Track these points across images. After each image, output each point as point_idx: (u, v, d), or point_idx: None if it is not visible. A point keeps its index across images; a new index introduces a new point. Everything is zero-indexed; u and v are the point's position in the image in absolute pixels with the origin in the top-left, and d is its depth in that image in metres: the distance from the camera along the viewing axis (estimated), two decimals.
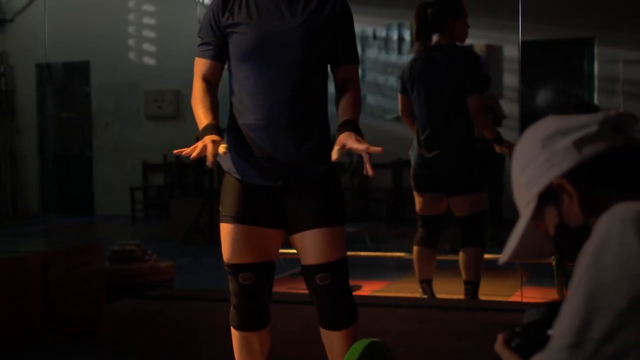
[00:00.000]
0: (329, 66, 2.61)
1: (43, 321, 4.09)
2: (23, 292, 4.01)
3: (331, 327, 2.60)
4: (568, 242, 1.27)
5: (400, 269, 6.08)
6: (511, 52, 9.35)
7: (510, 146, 4.28)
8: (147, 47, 11.14)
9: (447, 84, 4.29)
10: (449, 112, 4.31)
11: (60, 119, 11.51)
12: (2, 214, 11.00)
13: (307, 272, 2.57)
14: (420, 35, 4.39)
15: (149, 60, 11.15)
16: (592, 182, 1.24)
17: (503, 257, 1.35)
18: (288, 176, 2.52)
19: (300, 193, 2.53)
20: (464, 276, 4.42)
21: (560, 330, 1.12)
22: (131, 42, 11.16)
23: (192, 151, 2.32)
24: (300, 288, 2.73)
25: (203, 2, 7.57)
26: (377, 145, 2.29)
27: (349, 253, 2.63)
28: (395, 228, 9.01)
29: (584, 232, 1.19)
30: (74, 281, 4.25)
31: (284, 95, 2.47)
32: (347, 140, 2.36)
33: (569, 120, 1.29)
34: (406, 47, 9.59)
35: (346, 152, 2.39)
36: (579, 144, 1.25)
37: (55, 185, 11.44)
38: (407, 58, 7.83)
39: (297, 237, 2.57)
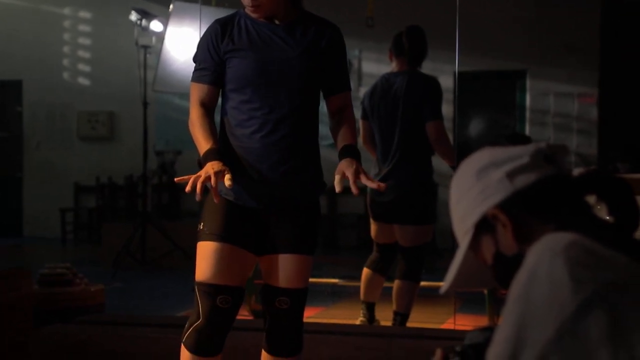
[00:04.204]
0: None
1: None
2: None
3: (278, 353, 2.60)
4: (504, 270, 1.30)
5: (334, 295, 6.09)
6: (446, 82, 9.50)
7: None
8: (82, 67, 10.98)
9: (405, 109, 4.27)
10: (406, 139, 4.27)
11: None
12: None
13: (269, 293, 2.58)
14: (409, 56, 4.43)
15: (83, 81, 10.99)
16: (525, 211, 1.27)
17: (444, 286, 1.37)
18: (277, 200, 2.54)
19: (284, 217, 2.55)
20: (394, 306, 4.40)
21: (492, 357, 1.14)
22: (65, 61, 10.99)
23: (195, 181, 2.29)
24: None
25: (141, 24, 7.51)
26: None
27: None
28: (330, 254, 9.02)
29: (518, 261, 1.21)
30: (1, 306, 4.13)
31: (282, 122, 2.51)
32: (346, 169, 2.41)
33: (501, 152, 1.33)
34: None
35: None
36: (511, 175, 1.29)
37: None
38: None
39: (268, 259, 2.57)
